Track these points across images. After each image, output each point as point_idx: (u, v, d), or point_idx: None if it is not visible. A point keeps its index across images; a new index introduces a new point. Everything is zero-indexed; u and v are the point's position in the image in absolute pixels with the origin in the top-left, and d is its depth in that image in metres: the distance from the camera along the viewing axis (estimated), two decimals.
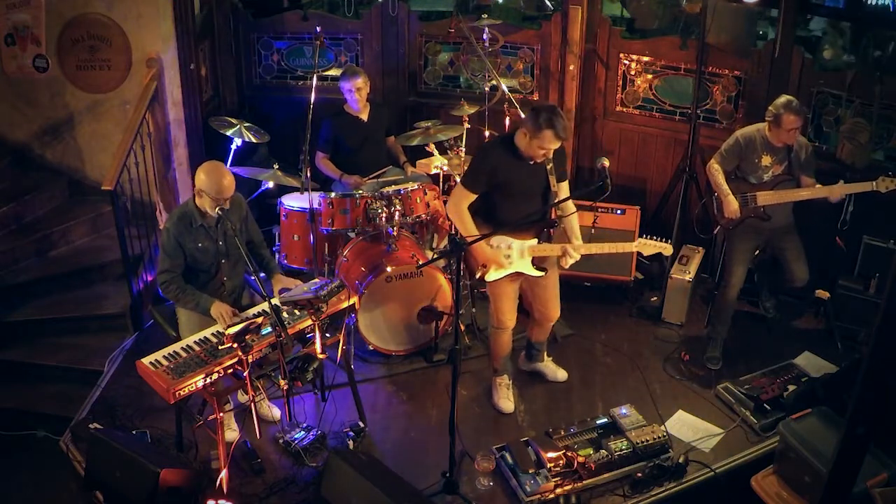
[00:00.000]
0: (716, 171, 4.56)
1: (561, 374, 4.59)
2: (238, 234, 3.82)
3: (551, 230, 4.07)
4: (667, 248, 4.02)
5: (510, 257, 3.99)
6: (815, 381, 4.28)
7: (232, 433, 3.93)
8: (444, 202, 5.00)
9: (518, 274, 4.05)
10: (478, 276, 4.01)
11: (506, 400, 4.39)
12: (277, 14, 6.08)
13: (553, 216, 4.10)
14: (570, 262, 3.99)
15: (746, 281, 4.65)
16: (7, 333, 4.87)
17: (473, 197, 3.89)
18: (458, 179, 4.76)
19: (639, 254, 5.31)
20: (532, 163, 3.85)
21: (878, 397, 2.31)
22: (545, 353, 4.60)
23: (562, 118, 3.70)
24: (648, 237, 4.04)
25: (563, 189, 4.01)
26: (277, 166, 4.84)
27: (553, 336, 4.73)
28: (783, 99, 4.29)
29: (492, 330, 4.30)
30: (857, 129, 4.82)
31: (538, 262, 4.06)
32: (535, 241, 4.01)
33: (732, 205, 4.47)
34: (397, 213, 4.66)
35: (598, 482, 3.83)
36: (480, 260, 3.97)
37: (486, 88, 5.37)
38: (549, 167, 3.90)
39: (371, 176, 5.10)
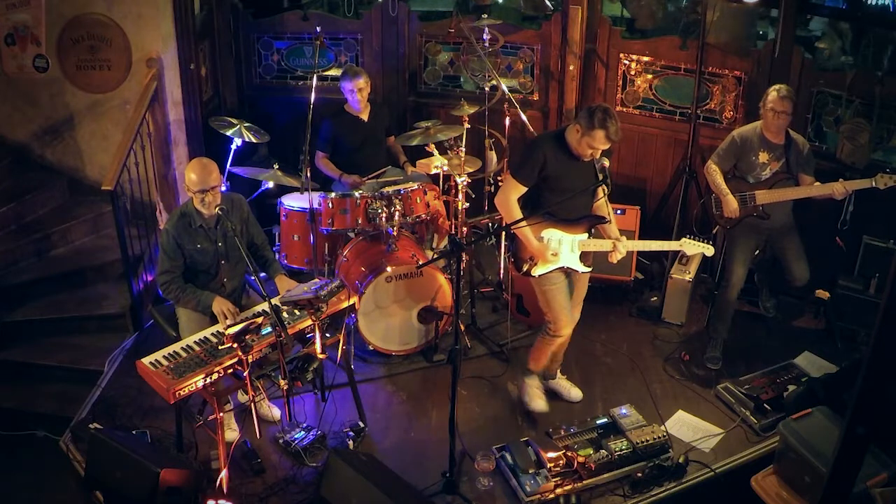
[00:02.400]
0: (713, 171, 4.56)
1: (575, 393, 4.47)
2: (238, 235, 3.82)
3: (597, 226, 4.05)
4: (709, 249, 4.04)
5: (559, 252, 3.97)
6: (815, 381, 4.27)
7: (232, 433, 3.93)
8: (445, 202, 5.02)
9: (565, 268, 4.02)
10: (524, 269, 3.97)
11: (539, 400, 4.31)
12: (277, 14, 6.07)
13: (601, 212, 4.07)
14: (619, 256, 3.99)
15: (746, 281, 4.65)
16: (7, 333, 4.87)
17: (524, 189, 3.88)
18: (458, 179, 4.78)
19: (639, 254, 5.31)
20: (581, 160, 3.85)
21: (878, 397, 2.30)
22: (559, 372, 4.51)
23: (615, 120, 3.72)
24: (691, 237, 4.06)
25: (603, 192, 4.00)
26: (277, 166, 4.84)
27: None
28: (772, 86, 4.37)
29: (546, 336, 4.13)
30: (857, 129, 4.82)
31: (584, 259, 4.06)
32: (585, 235, 4.00)
33: (731, 204, 4.47)
34: (397, 213, 4.66)
35: (598, 482, 3.83)
36: (529, 253, 3.94)
37: (486, 88, 5.37)
38: (598, 165, 3.89)
39: (370, 176, 5.10)
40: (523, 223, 3.78)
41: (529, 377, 4.35)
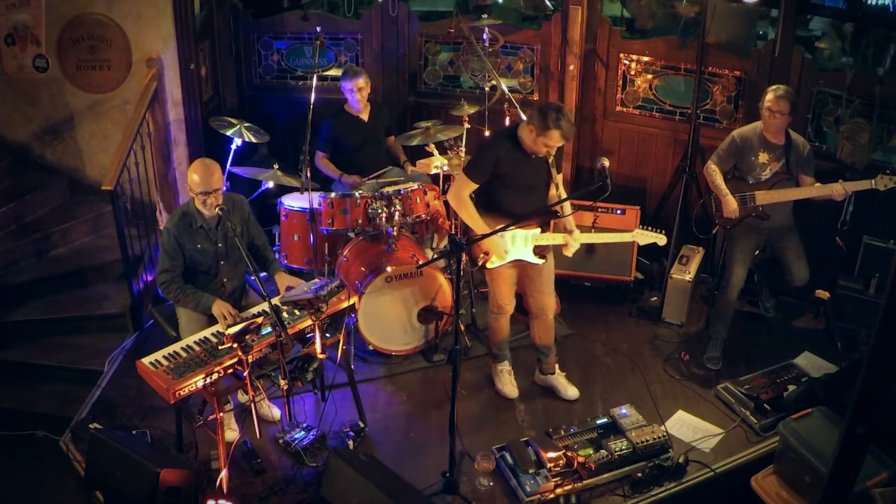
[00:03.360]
0: (713, 171, 4.56)
1: (571, 392, 4.49)
2: (238, 236, 3.82)
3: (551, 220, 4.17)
4: (661, 238, 4.18)
5: (513, 246, 4.08)
6: (815, 381, 4.27)
7: (232, 433, 3.93)
8: (444, 202, 5.02)
9: (517, 261, 4.14)
10: (479, 263, 4.08)
11: (509, 385, 4.47)
12: (277, 14, 6.07)
13: (555, 207, 4.15)
14: (573, 250, 4.13)
15: (746, 281, 4.65)
16: (7, 333, 4.87)
17: (475, 186, 3.99)
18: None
19: (639, 254, 5.31)
20: (534, 156, 3.97)
21: (878, 397, 2.31)
22: (556, 365, 4.54)
23: (568, 119, 3.85)
24: (644, 227, 4.20)
25: (559, 179, 4.14)
26: (277, 166, 4.84)
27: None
28: (771, 87, 4.39)
29: (490, 316, 4.39)
30: (857, 129, 4.82)
31: (539, 251, 4.15)
32: (538, 230, 4.11)
33: (731, 204, 4.48)
34: (397, 213, 4.66)
35: (598, 482, 3.83)
36: (483, 248, 4.03)
37: (486, 88, 5.37)
38: (550, 160, 4.02)
39: (371, 176, 5.10)
40: (494, 232, 3.84)
41: (498, 362, 4.50)
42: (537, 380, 4.60)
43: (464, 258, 4.02)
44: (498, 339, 4.45)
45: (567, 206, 4.16)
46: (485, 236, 3.85)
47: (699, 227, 4.95)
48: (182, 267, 3.91)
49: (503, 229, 3.84)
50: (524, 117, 5.18)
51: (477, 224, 4.00)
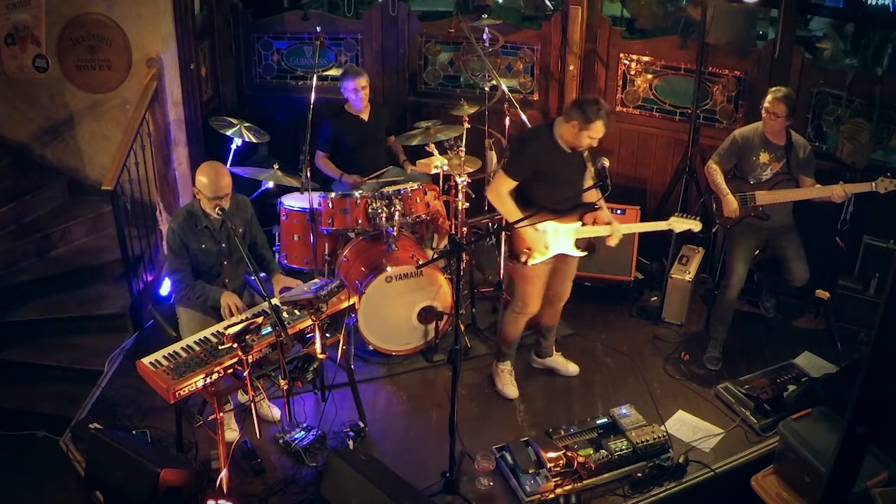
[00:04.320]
0: (714, 170, 4.57)
1: (572, 368, 4.63)
2: (240, 236, 3.83)
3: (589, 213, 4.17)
4: (696, 224, 4.24)
5: (554, 240, 4.08)
6: (815, 381, 4.27)
7: (232, 433, 3.93)
8: (445, 202, 5.02)
9: (557, 256, 4.14)
10: (522, 260, 4.06)
11: (510, 386, 4.47)
12: (277, 14, 6.07)
13: (592, 199, 4.18)
14: (617, 239, 4.14)
15: (746, 281, 4.65)
16: (7, 333, 4.86)
17: (514, 184, 3.98)
18: (458, 179, 4.78)
19: (639, 254, 5.31)
20: (571, 151, 3.97)
21: (878, 397, 2.31)
22: (554, 348, 4.62)
23: (608, 109, 3.89)
24: (681, 214, 4.26)
25: (591, 172, 4.14)
26: (277, 166, 4.84)
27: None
28: (772, 87, 4.40)
29: (511, 313, 4.34)
30: (857, 129, 4.82)
31: (581, 244, 4.17)
32: (578, 223, 4.12)
33: (731, 204, 4.48)
34: (397, 213, 4.66)
35: (598, 482, 3.83)
36: (526, 244, 4.03)
37: (486, 88, 5.37)
38: (585, 154, 4.03)
39: (371, 176, 5.10)
40: (525, 221, 3.86)
41: (503, 361, 4.48)
42: (535, 364, 4.66)
43: (505, 252, 4.11)
44: (510, 338, 4.44)
45: (596, 194, 4.16)
46: (518, 222, 3.83)
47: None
48: (190, 266, 3.92)
49: (528, 221, 3.84)
50: (524, 117, 5.19)
51: (513, 220, 3.97)
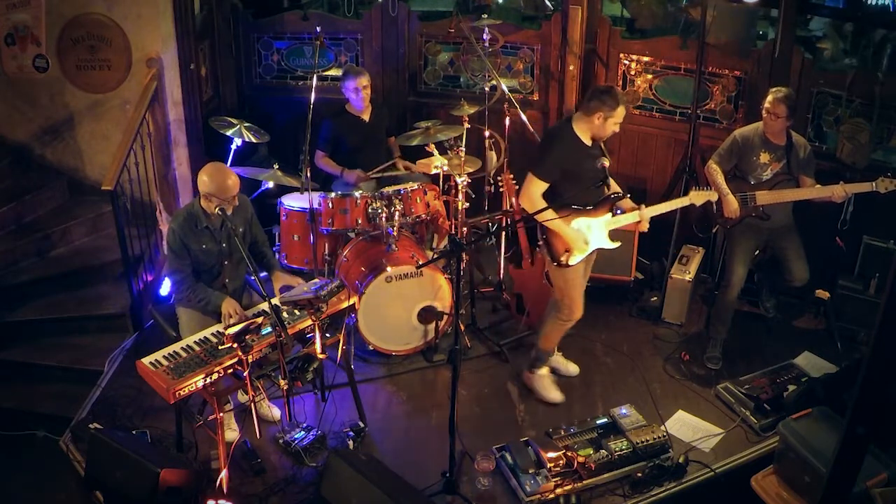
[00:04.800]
0: (714, 170, 4.57)
1: (572, 368, 4.64)
2: (240, 236, 3.83)
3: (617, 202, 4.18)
4: (714, 195, 4.27)
5: (592, 236, 4.08)
6: (815, 381, 4.27)
7: (232, 433, 3.93)
8: (445, 202, 5.02)
9: (592, 251, 4.15)
10: (563, 261, 4.05)
11: (554, 390, 4.44)
12: (277, 14, 6.07)
13: (615, 189, 4.20)
14: (647, 225, 4.15)
15: (746, 281, 4.65)
16: (7, 333, 4.86)
17: (546, 186, 3.97)
18: (458, 179, 4.78)
19: (639, 254, 5.31)
20: (591, 144, 3.99)
21: (878, 397, 2.31)
22: (556, 347, 4.60)
23: (622, 91, 4.00)
24: (698, 188, 4.29)
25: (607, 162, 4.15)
26: (277, 166, 4.84)
27: None
28: (773, 89, 4.40)
29: (558, 322, 4.27)
30: (857, 129, 4.82)
31: (612, 235, 4.18)
32: (609, 215, 4.12)
33: (732, 204, 4.48)
34: (397, 213, 4.66)
35: (598, 482, 3.83)
36: (565, 245, 4.02)
37: (486, 88, 5.37)
38: (602, 145, 4.07)
39: (375, 170, 5.10)
40: (555, 217, 3.91)
41: (538, 368, 4.43)
42: None
43: (544, 257, 4.08)
44: (551, 346, 4.40)
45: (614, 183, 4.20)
46: (538, 209, 3.85)
47: (699, 227, 4.95)
48: (190, 266, 3.91)
49: (563, 213, 3.89)
50: (524, 117, 5.19)
51: (554, 223, 3.98)
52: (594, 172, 4.00)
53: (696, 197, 4.24)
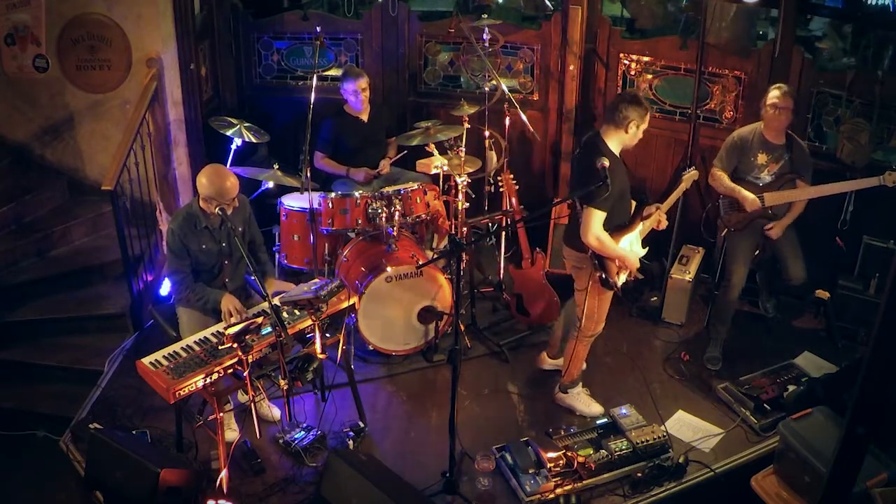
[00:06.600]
0: (719, 175, 4.57)
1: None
2: (240, 236, 3.83)
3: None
4: (696, 174, 4.29)
5: (636, 250, 4.03)
6: (815, 381, 4.27)
7: (232, 433, 3.93)
8: (445, 202, 5.02)
9: None
10: (620, 282, 3.94)
11: (595, 404, 4.36)
12: (277, 14, 6.07)
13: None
14: (666, 222, 4.12)
15: (747, 281, 4.65)
16: (7, 333, 4.86)
17: (605, 214, 3.80)
18: (458, 179, 4.78)
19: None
20: (621, 157, 3.93)
21: (878, 397, 2.30)
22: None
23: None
24: (687, 171, 4.28)
25: None
26: (277, 166, 4.84)
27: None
28: (774, 85, 4.42)
29: (584, 339, 4.17)
30: (857, 129, 4.82)
31: (645, 243, 4.13)
32: (641, 224, 4.05)
33: (750, 198, 4.45)
34: (397, 213, 4.66)
35: (598, 482, 3.83)
36: (619, 265, 3.91)
37: (486, 88, 5.37)
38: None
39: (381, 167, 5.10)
40: (615, 243, 3.84)
41: (573, 387, 4.35)
42: (546, 366, 4.63)
43: (595, 284, 3.92)
44: (581, 367, 4.31)
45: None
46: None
47: (707, 231, 4.95)
48: (190, 266, 3.92)
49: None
50: (523, 117, 5.19)
51: (616, 251, 3.86)
52: (628, 185, 3.95)
53: (688, 179, 4.22)
